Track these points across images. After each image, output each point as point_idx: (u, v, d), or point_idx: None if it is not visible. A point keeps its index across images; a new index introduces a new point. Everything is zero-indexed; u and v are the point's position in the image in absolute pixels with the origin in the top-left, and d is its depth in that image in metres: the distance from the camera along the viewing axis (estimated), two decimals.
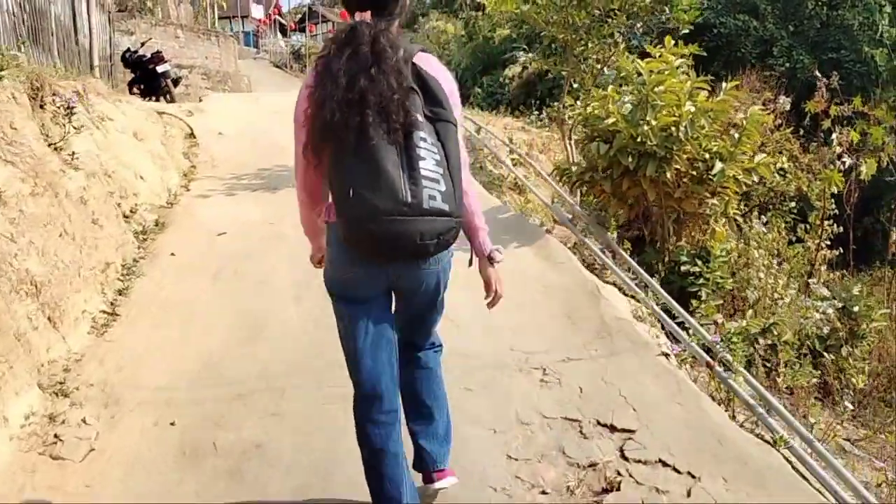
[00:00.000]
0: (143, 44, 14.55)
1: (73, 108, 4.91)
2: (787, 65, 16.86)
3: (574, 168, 6.26)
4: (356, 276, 2.19)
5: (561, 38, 8.19)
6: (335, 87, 1.98)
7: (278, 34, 54.05)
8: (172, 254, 5.18)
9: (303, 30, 54.95)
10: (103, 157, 5.75)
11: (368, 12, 2.07)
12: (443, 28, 22.92)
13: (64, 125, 4.97)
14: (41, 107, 5.08)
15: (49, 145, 4.75)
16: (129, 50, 14.03)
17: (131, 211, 5.71)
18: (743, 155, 5.55)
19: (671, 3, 7.69)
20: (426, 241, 2.00)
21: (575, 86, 8.56)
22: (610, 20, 7.92)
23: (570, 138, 8.45)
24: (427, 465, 2.52)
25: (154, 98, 13.89)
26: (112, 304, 4.29)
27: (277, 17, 56.43)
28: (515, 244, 5.49)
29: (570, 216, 6.63)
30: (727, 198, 5.69)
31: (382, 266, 2.15)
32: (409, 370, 2.48)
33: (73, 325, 3.83)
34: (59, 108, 4.96)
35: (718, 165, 5.33)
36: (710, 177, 5.39)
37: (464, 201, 2.09)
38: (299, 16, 57.69)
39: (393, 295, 2.31)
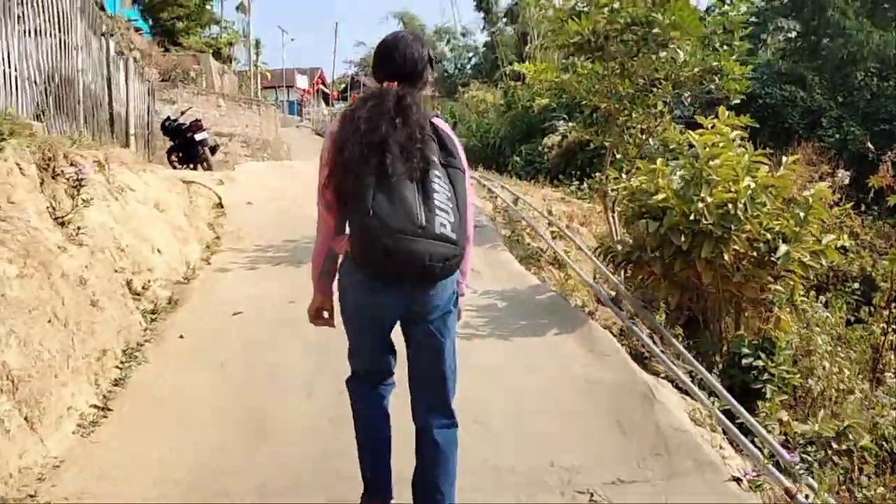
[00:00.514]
0: (182, 112, 14.65)
1: (81, 179, 4.61)
2: (838, 136, 16.30)
3: (619, 246, 5.77)
4: (372, 298, 2.42)
5: (603, 108, 7.81)
6: (355, 131, 2.30)
7: (322, 103, 55.33)
8: (181, 336, 4.78)
9: (345, 98, 56.28)
10: (118, 231, 5.45)
11: (395, 82, 2.41)
12: (482, 97, 22.96)
13: (73, 197, 4.67)
14: (54, 178, 4.81)
15: (55, 220, 4.44)
16: (168, 118, 14.12)
17: (143, 287, 5.36)
18: (809, 236, 5.01)
19: (721, 72, 7.29)
20: (433, 262, 2.24)
21: (618, 156, 8.14)
22: (655, 89, 7.54)
23: (612, 210, 7.97)
24: None
25: (192, 165, 13.91)
26: (105, 397, 3.86)
27: (321, 86, 57.86)
28: (555, 330, 4.98)
29: (613, 293, 6.12)
30: (792, 283, 5.13)
31: (399, 286, 2.35)
32: (422, 447, 2.55)
33: (56, 425, 3.39)
34: (68, 179, 4.67)
35: (783, 248, 4.79)
36: (773, 259, 4.85)
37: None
38: (343, 85, 59.14)
39: (389, 328, 2.55)
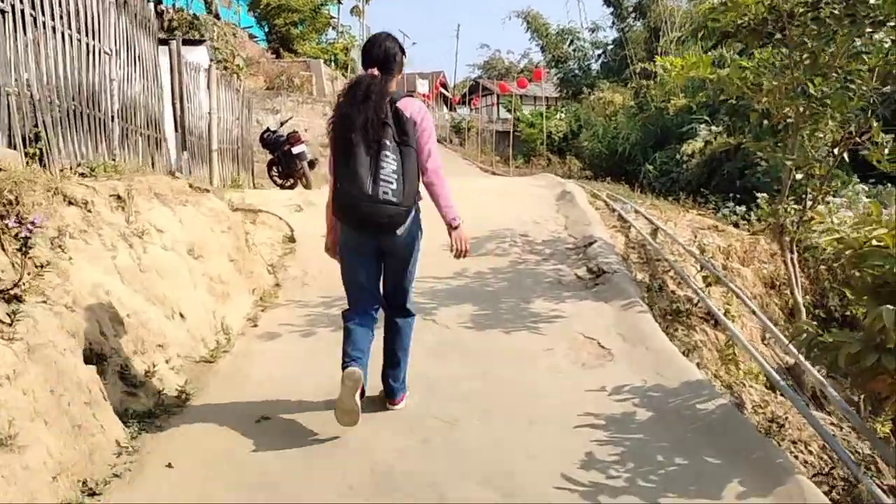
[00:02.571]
0: (282, 123, 13.58)
1: (27, 238, 3.17)
2: None
3: (831, 337, 3.74)
4: (354, 243, 3.48)
5: (779, 113, 5.77)
6: (336, 114, 3.38)
7: (444, 108, 54.36)
8: (170, 465, 3.28)
9: (466, 103, 54.94)
10: (119, 293, 4.07)
11: (375, 69, 3.38)
12: (609, 98, 20.76)
13: (21, 261, 3.27)
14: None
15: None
16: (267, 129, 13.07)
17: (147, 374, 3.93)
18: None
19: None
20: (380, 218, 3.26)
21: (798, 176, 6.05)
22: (852, 86, 5.44)
23: (791, 251, 5.92)
24: (389, 397, 3.81)
25: (291, 181, 12.84)
26: None
27: (442, 90, 56.97)
28: (738, 488, 3.05)
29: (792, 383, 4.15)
30: None
31: (365, 237, 3.42)
32: (389, 330, 3.72)
33: None
34: (15, 236, 3.26)
35: None
36: None
37: (432, 190, 3.43)
38: (465, 89, 57.90)
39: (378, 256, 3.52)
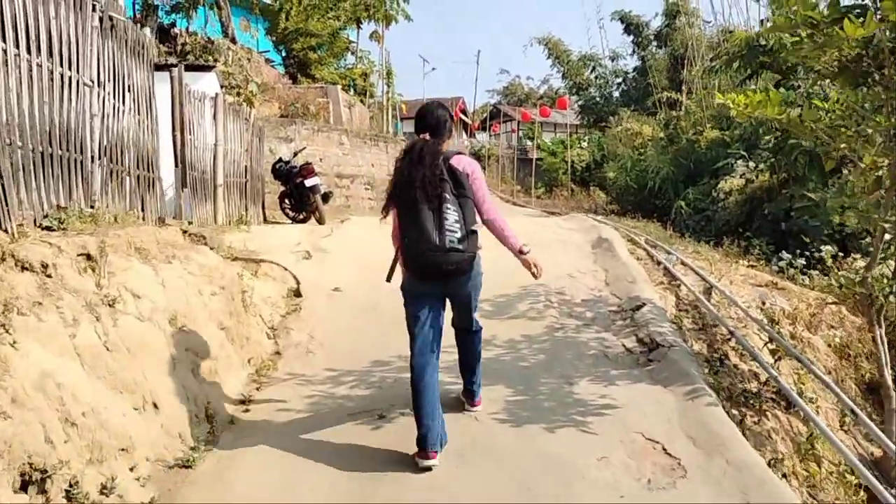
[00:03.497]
0: (296, 153, 12.88)
1: None
2: None
3: None
4: (422, 289, 3.74)
5: (867, 162, 4.91)
6: (398, 174, 3.71)
7: (463, 134, 53.73)
8: None
9: (486, 129, 54.19)
10: (77, 383, 3.29)
11: (427, 133, 3.76)
12: (636, 129, 19.90)
13: None
14: None
15: None
16: (280, 160, 12.37)
17: (103, 490, 3.12)
18: None
19: None
20: (448, 266, 3.60)
21: (887, 237, 5.18)
22: None
23: (879, 324, 5.03)
24: (469, 398, 4.24)
25: (303, 215, 12.12)
26: None
27: (461, 116, 56.42)
28: None
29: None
30: None
31: (434, 283, 3.73)
32: (462, 345, 4.14)
33: None
34: None
35: None
36: None
37: (490, 226, 3.79)
38: (485, 115, 57.26)
39: (447, 300, 3.89)
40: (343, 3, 24.52)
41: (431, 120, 3.79)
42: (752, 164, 13.51)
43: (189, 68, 10.31)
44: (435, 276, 3.65)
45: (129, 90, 5.66)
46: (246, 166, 10.60)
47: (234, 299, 5.13)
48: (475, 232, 3.68)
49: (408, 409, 3.92)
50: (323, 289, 6.29)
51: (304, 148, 13.67)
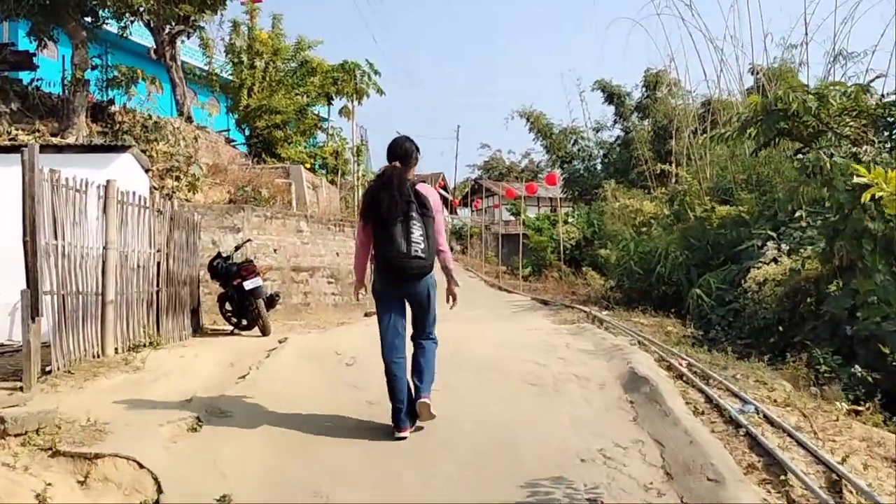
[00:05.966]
0: (237, 247, 10.57)
1: None
2: None
3: None
4: (389, 289, 4.74)
5: None
6: (370, 196, 4.75)
7: (444, 211, 51.86)
8: None
9: (467, 204, 52.42)
10: None
11: (398, 162, 4.80)
12: (636, 206, 17.74)
13: None
14: None
15: None
16: (218, 255, 10.06)
17: None
18: None
19: None
20: (414, 271, 4.60)
21: None
22: None
23: None
24: (418, 395, 4.74)
25: (245, 321, 9.79)
26: None
27: (441, 191, 54.60)
28: None
29: None
30: None
31: (399, 284, 4.69)
32: (415, 351, 4.87)
33: None
34: None
35: None
36: None
37: (440, 255, 4.78)
38: (466, 190, 55.65)
39: (406, 302, 4.81)
40: (311, 78, 22.74)
41: (400, 151, 4.88)
42: (784, 245, 11.32)
43: (84, 149, 8.07)
44: (400, 278, 4.67)
45: None
46: (160, 270, 8.18)
47: None
48: (433, 245, 4.70)
49: None
50: (205, 497, 3.79)
51: (249, 241, 11.35)
